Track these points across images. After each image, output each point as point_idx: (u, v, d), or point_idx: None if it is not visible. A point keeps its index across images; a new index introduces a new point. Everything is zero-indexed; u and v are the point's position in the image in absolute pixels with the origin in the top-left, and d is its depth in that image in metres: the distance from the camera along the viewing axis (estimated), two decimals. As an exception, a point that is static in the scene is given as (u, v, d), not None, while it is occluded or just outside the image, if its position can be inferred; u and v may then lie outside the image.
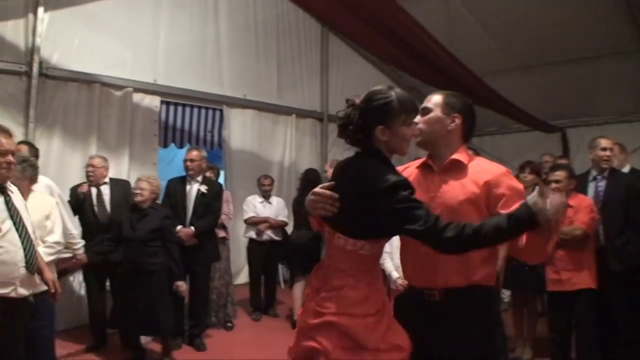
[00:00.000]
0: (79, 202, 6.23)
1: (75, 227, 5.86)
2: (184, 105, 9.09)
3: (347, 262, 2.51)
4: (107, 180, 6.42)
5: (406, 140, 2.60)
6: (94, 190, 6.32)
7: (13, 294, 3.51)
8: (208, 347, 6.35)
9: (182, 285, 5.79)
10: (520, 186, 2.61)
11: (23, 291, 3.58)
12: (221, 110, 9.46)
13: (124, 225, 5.68)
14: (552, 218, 2.21)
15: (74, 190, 6.38)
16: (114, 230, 5.82)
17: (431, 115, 2.83)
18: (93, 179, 6.31)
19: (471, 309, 2.58)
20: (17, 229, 3.54)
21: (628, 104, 10.05)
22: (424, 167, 2.87)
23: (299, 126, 10.48)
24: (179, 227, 6.27)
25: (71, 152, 7.62)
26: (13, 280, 3.49)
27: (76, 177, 7.13)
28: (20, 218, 3.60)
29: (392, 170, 2.49)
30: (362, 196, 2.43)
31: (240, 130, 9.68)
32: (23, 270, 3.54)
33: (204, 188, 6.52)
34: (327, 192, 2.53)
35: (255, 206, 7.87)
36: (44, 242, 4.37)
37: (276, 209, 8.00)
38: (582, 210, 5.03)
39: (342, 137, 2.68)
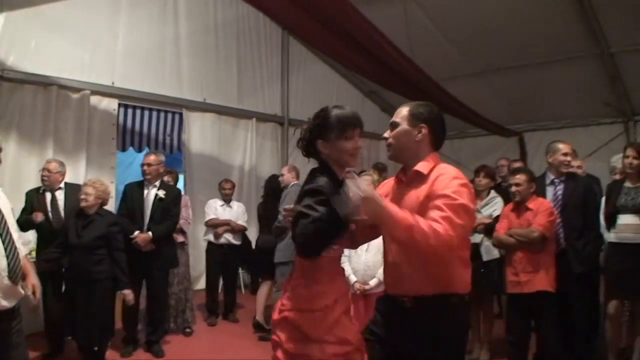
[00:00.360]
0: (33, 208, 6.11)
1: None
2: (142, 109, 9.00)
3: (300, 264, 2.77)
4: (62, 185, 6.31)
5: (347, 153, 2.77)
6: (48, 196, 6.20)
7: None
8: (167, 353, 6.27)
9: (129, 295, 5.59)
10: (459, 201, 2.57)
11: (5, 303, 3.23)
12: (181, 114, 9.39)
13: (70, 232, 5.52)
14: (351, 205, 2.38)
15: (29, 195, 6.26)
16: (61, 236, 5.63)
17: (399, 129, 2.91)
18: (47, 184, 6.20)
19: (441, 316, 2.68)
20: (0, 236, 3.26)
21: (584, 108, 10.25)
22: (398, 179, 3.02)
23: (259, 130, 10.46)
24: (136, 233, 6.16)
25: (27, 155, 7.50)
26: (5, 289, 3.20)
27: (32, 181, 7.01)
28: (5, 224, 3.33)
29: (322, 179, 2.68)
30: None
31: (200, 134, 9.62)
32: (6, 281, 3.20)
33: (161, 193, 6.41)
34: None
35: (217, 209, 7.85)
36: None
37: (236, 213, 7.99)
38: (540, 213, 5.11)
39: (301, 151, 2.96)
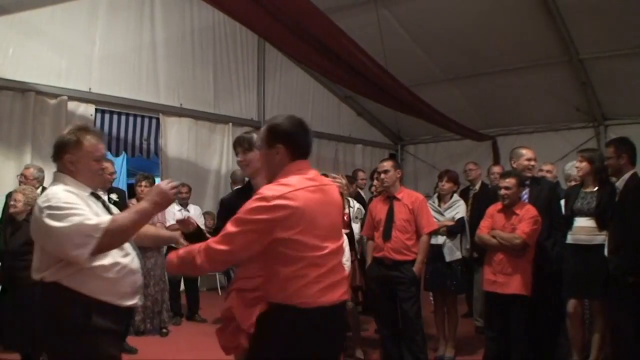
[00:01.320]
0: None
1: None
2: (119, 114, 9.07)
3: None
4: (38, 192, 6.16)
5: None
6: None
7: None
8: (145, 353, 6.33)
9: None
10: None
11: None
12: (157, 119, 9.46)
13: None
14: None
15: (8, 198, 6.31)
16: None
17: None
18: None
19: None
20: None
21: (556, 113, 10.51)
22: None
23: (235, 134, 10.50)
24: None
25: (5, 160, 7.57)
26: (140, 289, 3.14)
27: (10, 186, 7.06)
28: None
29: None
30: None
31: (177, 139, 9.71)
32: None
33: (115, 196, 6.61)
34: None
35: (175, 214, 7.89)
36: None
37: (194, 216, 8.07)
38: (525, 221, 5.21)
39: None
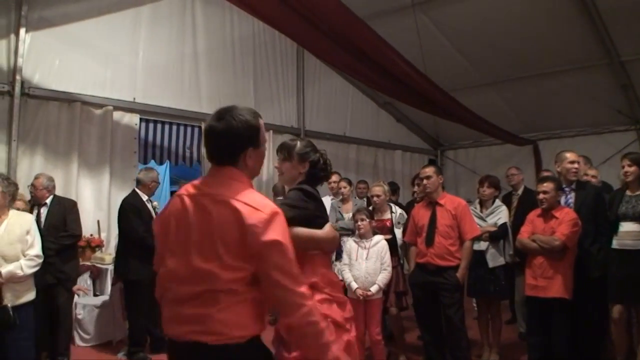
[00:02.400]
0: None
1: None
2: (162, 123, 9.21)
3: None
4: (47, 201, 6.25)
5: None
6: (35, 211, 6.16)
7: None
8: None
9: None
10: None
11: None
12: (199, 127, 9.57)
13: None
14: None
15: None
16: None
17: None
18: (34, 199, 6.28)
19: None
20: None
21: (597, 116, 10.37)
22: None
23: (276, 142, 10.56)
24: None
25: (53, 169, 7.70)
26: None
27: (58, 194, 7.26)
28: None
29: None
30: None
31: (219, 147, 9.76)
32: None
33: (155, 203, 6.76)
34: None
35: None
36: (25, 255, 4.52)
37: None
38: (564, 223, 5.23)
39: None
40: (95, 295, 7.38)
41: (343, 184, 7.65)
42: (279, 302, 2.31)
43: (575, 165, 5.76)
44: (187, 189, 2.47)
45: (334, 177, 7.71)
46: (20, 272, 4.41)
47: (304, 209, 3.11)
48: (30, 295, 4.62)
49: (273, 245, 2.23)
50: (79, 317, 6.88)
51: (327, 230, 3.18)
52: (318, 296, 2.97)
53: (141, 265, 6.05)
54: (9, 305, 4.32)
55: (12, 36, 7.54)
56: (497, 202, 6.48)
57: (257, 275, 2.27)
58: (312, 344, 2.34)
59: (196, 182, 2.51)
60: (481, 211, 6.40)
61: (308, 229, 3.08)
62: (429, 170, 5.65)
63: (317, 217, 3.18)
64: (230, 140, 2.43)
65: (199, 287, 2.23)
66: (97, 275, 7.33)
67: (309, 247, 3.07)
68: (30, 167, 7.48)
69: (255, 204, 2.28)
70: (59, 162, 7.83)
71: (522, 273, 5.80)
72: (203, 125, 9.19)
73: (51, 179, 6.40)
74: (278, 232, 2.26)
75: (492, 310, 6.26)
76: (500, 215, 6.29)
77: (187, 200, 2.40)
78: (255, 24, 10.23)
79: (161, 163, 9.50)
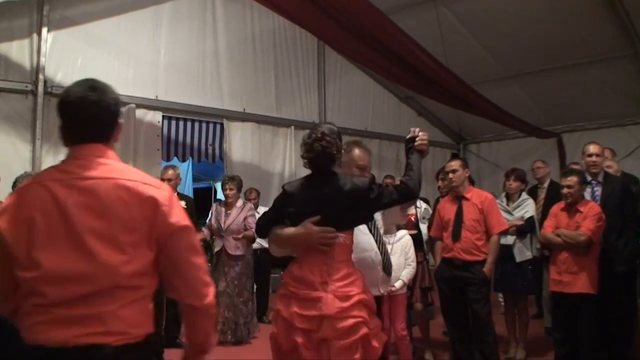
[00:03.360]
0: None
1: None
2: (185, 120, 9.26)
3: (344, 254, 3.23)
4: None
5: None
6: None
7: None
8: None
9: None
10: None
11: None
12: (221, 124, 9.62)
13: None
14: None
15: None
16: None
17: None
18: None
19: None
20: None
21: (621, 108, 10.22)
22: None
23: (298, 138, 10.57)
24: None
25: (76, 167, 7.80)
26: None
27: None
28: None
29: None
30: (352, 198, 3.21)
31: (241, 143, 9.83)
32: None
33: (183, 203, 6.51)
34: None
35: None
36: None
37: None
38: (589, 217, 5.15)
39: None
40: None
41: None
42: (191, 283, 2.12)
43: (593, 159, 5.65)
44: (50, 175, 2.08)
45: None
46: None
47: None
48: None
49: (185, 224, 2.09)
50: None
51: (295, 228, 3.26)
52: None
53: None
54: None
55: (35, 36, 7.62)
56: (524, 195, 6.40)
57: (154, 265, 2.07)
58: (209, 326, 2.24)
59: (60, 166, 2.12)
60: (508, 205, 6.34)
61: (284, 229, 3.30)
62: (455, 164, 5.59)
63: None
64: (108, 113, 2.15)
65: (95, 284, 1.93)
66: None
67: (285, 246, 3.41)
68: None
69: (154, 182, 2.11)
70: (82, 160, 7.85)
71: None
72: (225, 122, 9.31)
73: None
74: (182, 210, 2.13)
75: (519, 305, 6.19)
76: (527, 208, 6.21)
77: (56, 188, 2.00)
78: (276, 20, 10.22)
79: (184, 160, 9.57)
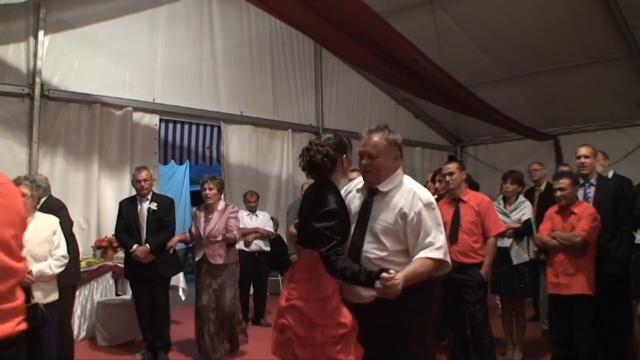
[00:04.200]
0: None
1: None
2: (182, 123, 9.29)
3: (304, 260, 3.24)
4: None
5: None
6: None
7: None
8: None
9: None
10: None
11: None
12: (219, 127, 9.64)
13: None
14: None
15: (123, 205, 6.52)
16: None
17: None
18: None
19: None
20: None
21: (618, 110, 10.26)
22: None
23: (295, 140, 10.62)
24: (134, 246, 6.19)
25: (74, 171, 7.82)
26: None
27: (79, 195, 7.33)
28: None
29: (332, 198, 3.16)
30: (310, 216, 3.14)
31: (238, 146, 9.86)
32: None
33: (154, 205, 6.40)
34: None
35: (243, 219, 7.98)
36: (52, 255, 4.65)
37: (262, 221, 8.23)
38: (584, 218, 5.16)
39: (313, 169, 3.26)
40: (117, 295, 7.39)
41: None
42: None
43: (582, 160, 5.69)
44: None
45: (354, 174, 7.66)
46: (49, 272, 4.55)
47: None
48: (55, 296, 4.74)
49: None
50: (101, 317, 6.90)
51: None
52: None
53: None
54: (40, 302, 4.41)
55: (31, 39, 7.65)
56: (521, 197, 6.39)
57: None
58: None
59: None
60: (505, 207, 6.33)
61: None
62: (452, 166, 5.58)
63: None
64: None
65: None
66: (119, 275, 7.33)
67: None
68: (51, 169, 7.56)
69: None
70: (79, 163, 7.91)
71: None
72: (222, 125, 9.35)
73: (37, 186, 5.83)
74: None
75: (516, 308, 6.18)
76: (524, 211, 6.20)
77: None
78: (273, 23, 10.27)
79: (181, 163, 9.58)
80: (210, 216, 6.38)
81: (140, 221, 6.39)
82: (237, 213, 6.66)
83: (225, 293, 6.30)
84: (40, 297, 4.51)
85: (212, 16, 9.62)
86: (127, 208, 6.49)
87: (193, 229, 6.51)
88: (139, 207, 6.45)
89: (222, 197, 6.81)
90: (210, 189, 6.36)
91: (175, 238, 6.43)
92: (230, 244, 6.38)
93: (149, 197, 6.47)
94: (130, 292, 6.74)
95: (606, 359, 5.41)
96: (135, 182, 6.48)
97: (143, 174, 6.42)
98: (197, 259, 6.46)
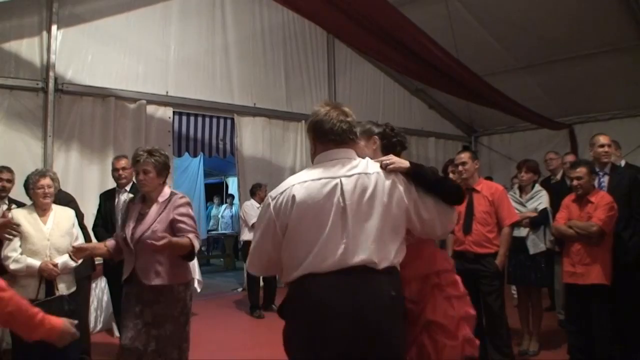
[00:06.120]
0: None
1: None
2: (196, 115, 9.31)
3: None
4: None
5: None
6: None
7: None
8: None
9: None
10: None
11: None
12: (232, 119, 9.65)
13: None
14: None
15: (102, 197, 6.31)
16: None
17: None
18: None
19: None
20: None
21: (633, 99, 10.17)
22: None
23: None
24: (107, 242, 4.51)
25: (89, 164, 7.85)
26: None
27: (94, 189, 7.36)
28: None
29: None
30: None
31: (252, 138, 9.86)
32: None
33: (129, 197, 5.59)
34: None
35: (256, 210, 7.98)
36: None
37: None
38: (600, 208, 5.10)
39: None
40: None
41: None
42: None
43: (606, 149, 5.61)
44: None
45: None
46: (72, 263, 4.61)
47: None
48: (73, 286, 4.80)
49: None
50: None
51: None
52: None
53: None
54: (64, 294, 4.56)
55: (44, 33, 7.66)
56: (537, 186, 6.32)
57: None
58: None
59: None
60: (520, 196, 6.28)
61: None
62: (465, 156, 5.54)
63: None
64: None
65: None
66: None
67: None
68: (66, 163, 7.61)
69: None
70: (94, 157, 7.93)
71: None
72: (235, 117, 9.35)
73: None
74: None
75: (532, 298, 6.14)
76: (541, 200, 6.14)
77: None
78: (285, 15, 10.25)
79: (195, 155, 9.59)
80: (145, 211, 4.09)
81: (116, 215, 5.85)
82: (190, 206, 4.20)
83: (163, 330, 3.94)
84: (64, 289, 4.59)
85: (225, 8, 9.62)
86: (105, 201, 6.15)
87: (118, 230, 4.72)
88: (116, 199, 6.03)
89: (168, 183, 4.39)
90: (145, 172, 4.04)
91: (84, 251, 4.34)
92: (182, 254, 3.96)
93: (128, 187, 6.01)
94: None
95: (623, 349, 5.36)
96: (113, 170, 6.06)
97: (122, 162, 5.99)
98: (124, 276, 4.08)
